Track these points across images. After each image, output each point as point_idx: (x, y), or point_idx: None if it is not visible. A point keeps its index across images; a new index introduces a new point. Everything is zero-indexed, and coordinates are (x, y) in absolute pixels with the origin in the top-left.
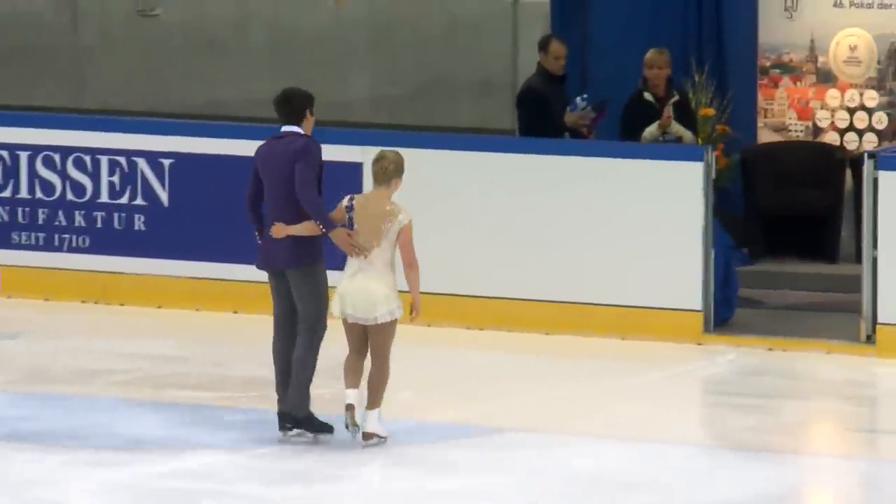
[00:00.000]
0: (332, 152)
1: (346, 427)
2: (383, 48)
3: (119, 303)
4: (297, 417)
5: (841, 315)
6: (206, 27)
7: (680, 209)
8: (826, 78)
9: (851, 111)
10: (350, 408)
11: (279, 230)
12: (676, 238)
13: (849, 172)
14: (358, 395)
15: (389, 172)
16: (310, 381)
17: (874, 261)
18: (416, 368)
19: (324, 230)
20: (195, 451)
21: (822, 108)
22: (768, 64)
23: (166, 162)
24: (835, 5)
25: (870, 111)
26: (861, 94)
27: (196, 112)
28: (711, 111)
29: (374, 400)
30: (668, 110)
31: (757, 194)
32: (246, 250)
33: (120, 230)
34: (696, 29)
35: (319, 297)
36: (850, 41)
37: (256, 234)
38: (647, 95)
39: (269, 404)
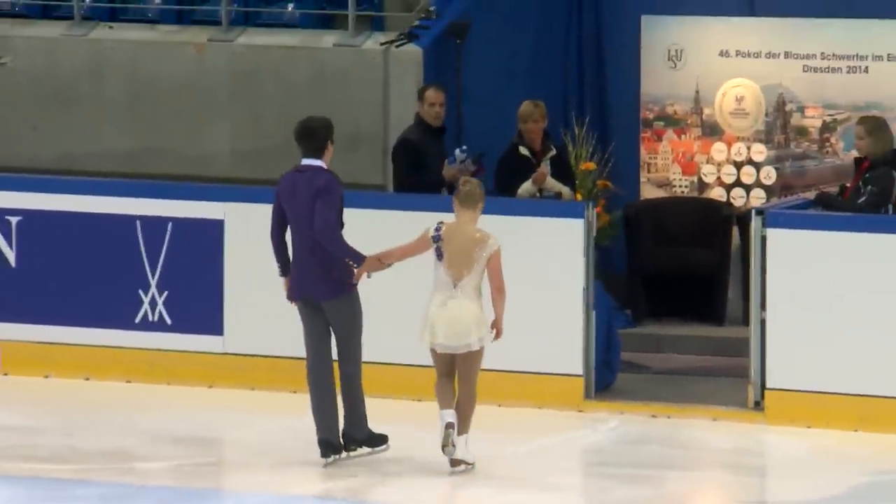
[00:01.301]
0: (191, 209)
1: (443, 448)
2: (246, 99)
3: None
4: (358, 439)
5: (728, 380)
6: (59, 76)
7: (559, 268)
8: (712, 130)
9: (738, 165)
10: (450, 426)
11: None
12: (555, 299)
13: (736, 230)
14: (454, 415)
15: (476, 196)
16: (362, 403)
17: (762, 323)
18: (270, 435)
19: (355, 265)
20: None
21: (707, 163)
22: (651, 116)
23: (13, 220)
24: (720, 55)
25: (757, 165)
26: (748, 148)
27: (46, 166)
28: (592, 165)
29: (462, 426)
30: (545, 166)
31: (640, 253)
32: (98, 313)
33: None
34: (577, 79)
35: (357, 325)
36: (736, 92)
37: (279, 267)
38: (523, 149)
39: (123, 476)
